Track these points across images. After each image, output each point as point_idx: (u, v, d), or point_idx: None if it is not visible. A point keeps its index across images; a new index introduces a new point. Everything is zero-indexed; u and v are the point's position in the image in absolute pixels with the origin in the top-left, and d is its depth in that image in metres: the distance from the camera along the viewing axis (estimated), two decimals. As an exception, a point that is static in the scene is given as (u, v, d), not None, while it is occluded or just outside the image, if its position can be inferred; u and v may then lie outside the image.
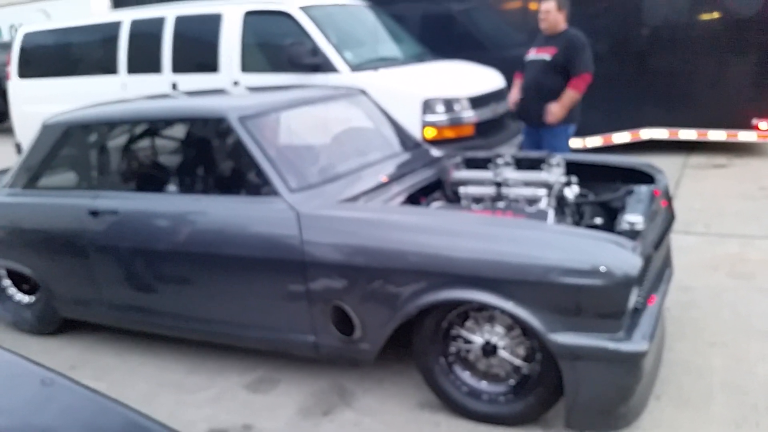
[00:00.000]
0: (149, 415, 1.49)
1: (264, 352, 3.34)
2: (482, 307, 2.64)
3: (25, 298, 3.97)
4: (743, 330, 3.38)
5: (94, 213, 3.34)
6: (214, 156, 3.49)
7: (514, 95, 5.08)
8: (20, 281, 4.00)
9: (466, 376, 2.78)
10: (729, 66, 7.03)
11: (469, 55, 6.81)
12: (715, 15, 7.03)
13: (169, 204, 3.21)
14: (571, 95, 4.68)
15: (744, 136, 7.09)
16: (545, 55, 4.80)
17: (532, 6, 7.77)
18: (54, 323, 3.82)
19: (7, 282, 4.02)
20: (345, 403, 2.99)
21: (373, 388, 3.08)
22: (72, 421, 1.45)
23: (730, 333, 3.36)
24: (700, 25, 7.11)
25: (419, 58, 6.27)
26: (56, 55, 7.27)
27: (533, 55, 4.91)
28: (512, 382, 2.70)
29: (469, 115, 5.45)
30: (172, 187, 3.38)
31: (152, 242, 3.18)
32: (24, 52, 7.42)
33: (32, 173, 3.68)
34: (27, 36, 7.46)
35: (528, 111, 4.98)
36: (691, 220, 5.12)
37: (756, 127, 7.02)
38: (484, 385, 2.75)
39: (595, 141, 7.54)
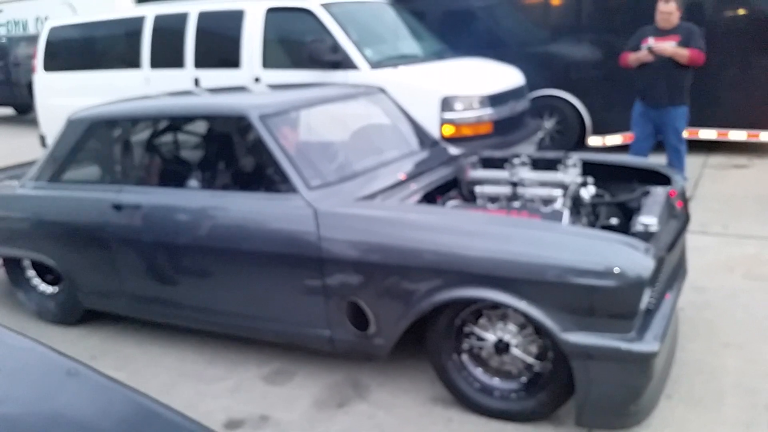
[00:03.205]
0: (167, 404, 1.54)
1: (281, 345, 3.41)
2: (495, 306, 2.68)
3: (49, 289, 4.08)
4: (758, 332, 3.39)
5: (118, 207, 3.42)
6: (234, 153, 3.56)
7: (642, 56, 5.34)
8: (44, 272, 4.10)
9: (478, 372, 2.82)
10: (752, 65, 6.96)
11: (490, 52, 6.82)
12: (740, 12, 6.96)
13: (191, 199, 3.28)
14: (684, 53, 5.15)
15: (766, 136, 7.02)
16: (671, 42, 5.23)
17: (554, 2, 7.77)
18: (76, 313, 3.91)
19: (31, 272, 4.13)
20: (359, 397, 3.04)
21: (387, 382, 3.13)
22: (85, 408, 1.49)
23: (744, 334, 3.37)
24: (724, 23, 7.05)
25: (439, 56, 6.29)
26: (81, 48, 7.39)
27: (653, 43, 5.26)
28: (524, 379, 2.74)
29: (487, 112, 5.47)
30: (193, 183, 3.45)
31: (174, 236, 3.25)
32: (49, 45, 7.54)
33: (57, 167, 3.76)
34: (53, 30, 7.58)
35: (656, 92, 5.36)
36: (708, 220, 5.10)
37: (778, 128, 6.96)
38: (496, 381, 2.80)
39: (615, 139, 7.52)
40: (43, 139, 7.63)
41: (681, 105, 5.40)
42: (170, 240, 3.27)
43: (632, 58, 5.40)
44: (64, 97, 7.11)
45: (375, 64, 5.60)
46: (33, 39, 10.25)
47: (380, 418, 2.87)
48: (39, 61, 7.61)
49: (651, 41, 5.26)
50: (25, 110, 13.60)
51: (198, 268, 3.26)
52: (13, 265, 4.12)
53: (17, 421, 1.40)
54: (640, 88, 5.51)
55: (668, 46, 5.18)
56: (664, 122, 5.44)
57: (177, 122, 3.74)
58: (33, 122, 8.73)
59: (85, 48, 7.36)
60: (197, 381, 3.28)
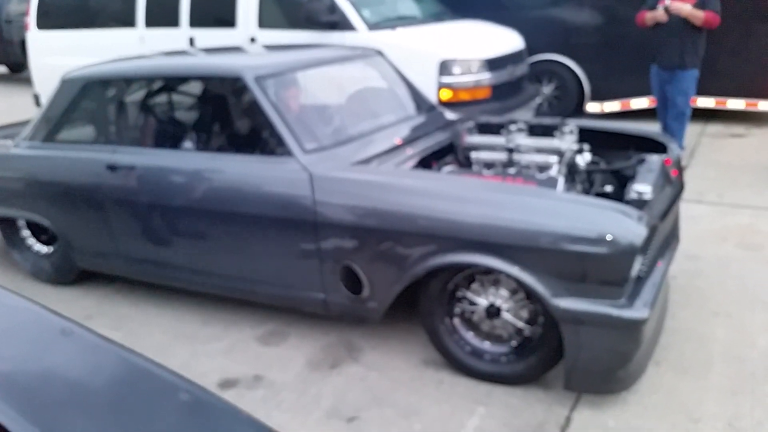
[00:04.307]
0: (161, 364, 1.56)
1: (275, 307, 3.44)
2: (488, 271, 2.70)
3: (44, 249, 4.09)
4: (748, 301, 3.42)
5: (112, 168, 3.41)
6: (230, 115, 3.53)
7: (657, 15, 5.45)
8: (39, 232, 4.11)
9: (469, 336, 2.86)
10: (751, 34, 6.88)
11: (489, 15, 6.74)
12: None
13: (186, 161, 3.27)
14: (699, 14, 5.23)
15: (764, 105, 6.98)
16: (686, 5, 5.29)
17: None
18: (71, 274, 3.93)
19: (26, 233, 4.13)
20: (352, 358, 3.08)
21: (380, 344, 3.17)
22: (78, 367, 1.51)
23: (735, 303, 3.40)
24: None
25: (438, 18, 6.21)
26: (75, 6, 7.27)
27: (669, 3, 5.33)
28: (514, 343, 2.77)
29: (486, 77, 5.42)
30: (188, 144, 3.44)
31: (168, 198, 3.25)
32: (43, 3, 7.41)
33: (51, 127, 3.74)
34: (46, -13, 7.45)
35: (668, 52, 5.49)
36: (704, 189, 5.11)
37: (777, 97, 6.91)
38: (486, 345, 2.84)
39: (613, 106, 7.49)
40: (37, 99, 7.55)
41: (692, 68, 5.47)
42: (165, 201, 3.27)
43: (648, 16, 5.48)
44: (58, 55, 7.01)
45: (372, 26, 5.53)
46: (26, -5, 10.06)
47: (372, 380, 2.91)
48: (32, 18, 7.49)
49: (667, 1, 5.31)
50: (18, 69, 13.41)
51: (193, 230, 3.27)
52: (8, 225, 4.12)
53: (10, 378, 1.42)
54: (654, 49, 5.58)
55: (685, 7, 5.23)
56: (673, 84, 5.51)
57: (172, 83, 3.70)
58: (27, 81, 8.64)
59: (79, 6, 7.24)
60: (192, 341, 3.31)
